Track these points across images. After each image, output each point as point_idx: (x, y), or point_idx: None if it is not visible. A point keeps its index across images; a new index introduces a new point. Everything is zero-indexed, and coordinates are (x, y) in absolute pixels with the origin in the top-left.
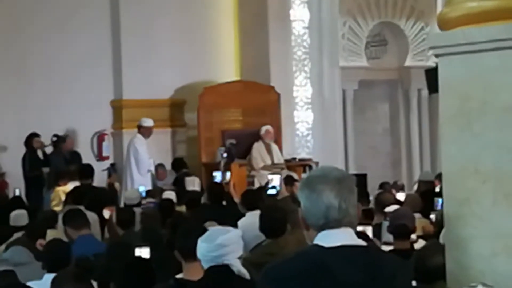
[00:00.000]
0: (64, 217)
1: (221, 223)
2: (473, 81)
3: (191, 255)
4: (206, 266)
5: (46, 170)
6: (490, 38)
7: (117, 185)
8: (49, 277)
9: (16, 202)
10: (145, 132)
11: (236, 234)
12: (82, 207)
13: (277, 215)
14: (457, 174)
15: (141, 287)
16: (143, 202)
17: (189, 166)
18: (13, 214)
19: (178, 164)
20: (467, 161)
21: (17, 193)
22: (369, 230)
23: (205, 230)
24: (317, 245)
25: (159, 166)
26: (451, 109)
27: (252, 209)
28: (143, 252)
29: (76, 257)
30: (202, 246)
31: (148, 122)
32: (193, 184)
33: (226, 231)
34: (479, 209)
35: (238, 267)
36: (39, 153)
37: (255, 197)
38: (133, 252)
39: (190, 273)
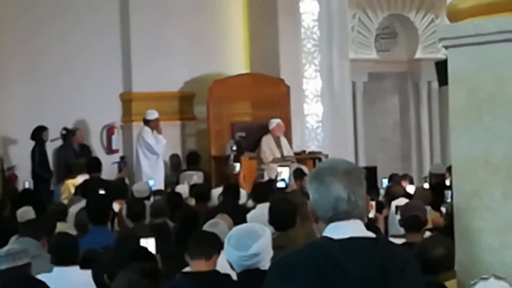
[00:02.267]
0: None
1: (231, 215)
2: (483, 72)
3: (201, 255)
4: (238, 270)
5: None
6: (500, 29)
7: (127, 178)
8: (58, 270)
9: (26, 195)
10: (152, 124)
11: (267, 238)
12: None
13: (287, 208)
14: (467, 166)
15: (145, 277)
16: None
17: (198, 161)
18: (20, 211)
19: (190, 158)
20: (477, 152)
21: (27, 185)
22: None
23: (216, 237)
24: (326, 237)
25: (173, 157)
26: (460, 101)
27: (261, 201)
28: (149, 243)
29: (85, 249)
30: (234, 254)
31: (152, 115)
32: (189, 179)
33: (257, 236)
34: (489, 201)
35: None
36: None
37: (265, 190)
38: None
39: (198, 267)
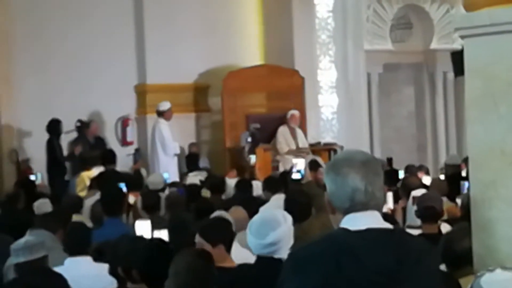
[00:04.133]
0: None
1: (245, 207)
2: (499, 62)
3: (218, 243)
4: (255, 253)
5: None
6: None
7: (143, 170)
8: (70, 261)
9: (28, 186)
10: (166, 115)
11: (288, 226)
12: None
13: (302, 199)
14: (483, 156)
15: (162, 268)
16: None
17: (198, 160)
18: (37, 203)
19: (189, 160)
20: (493, 142)
21: (33, 178)
22: (389, 197)
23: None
24: (343, 228)
25: (192, 146)
26: (476, 91)
27: (274, 193)
28: (162, 235)
29: (100, 242)
30: (253, 241)
31: (165, 106)
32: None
33: (276, 224)
34: (506, 191)
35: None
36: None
37: (278, 182)
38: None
39: (220, 259)
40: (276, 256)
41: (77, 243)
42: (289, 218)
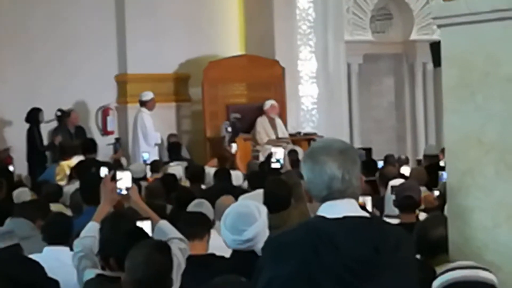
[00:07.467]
0: None
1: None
2: (476, 51)
3: (195, 236)
4: (232, 247)
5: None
6: (493, 8)
7: (123, 160)
8: (48, 250)
9: (7, 176)
10: (149, 105)
11: (263, 220)
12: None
13: (281, 189)
14: (460, 145)
15: (158, 252)
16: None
17: (180, 150)
18: (16, 192)
19: (171, 148)
20: (470, 131)
21: (11, 168)
22: (368, 201)
23: (205, 216)
24: (320, 216)
25: (171, 136)
26: (453, 80)
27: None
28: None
29: (78, 230)
30: (229, 237)
31: (147, 96)
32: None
33: (253, 219)
34: (482, 180)
35: None
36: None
37: (261, 178)
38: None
39: (196, 249)
40: (254, 249)
41: (58, 234)
42: (264, 210)
